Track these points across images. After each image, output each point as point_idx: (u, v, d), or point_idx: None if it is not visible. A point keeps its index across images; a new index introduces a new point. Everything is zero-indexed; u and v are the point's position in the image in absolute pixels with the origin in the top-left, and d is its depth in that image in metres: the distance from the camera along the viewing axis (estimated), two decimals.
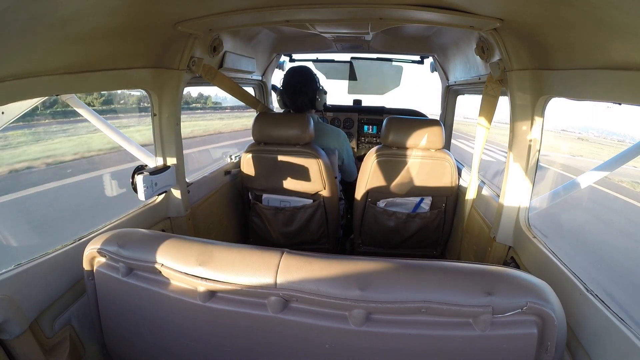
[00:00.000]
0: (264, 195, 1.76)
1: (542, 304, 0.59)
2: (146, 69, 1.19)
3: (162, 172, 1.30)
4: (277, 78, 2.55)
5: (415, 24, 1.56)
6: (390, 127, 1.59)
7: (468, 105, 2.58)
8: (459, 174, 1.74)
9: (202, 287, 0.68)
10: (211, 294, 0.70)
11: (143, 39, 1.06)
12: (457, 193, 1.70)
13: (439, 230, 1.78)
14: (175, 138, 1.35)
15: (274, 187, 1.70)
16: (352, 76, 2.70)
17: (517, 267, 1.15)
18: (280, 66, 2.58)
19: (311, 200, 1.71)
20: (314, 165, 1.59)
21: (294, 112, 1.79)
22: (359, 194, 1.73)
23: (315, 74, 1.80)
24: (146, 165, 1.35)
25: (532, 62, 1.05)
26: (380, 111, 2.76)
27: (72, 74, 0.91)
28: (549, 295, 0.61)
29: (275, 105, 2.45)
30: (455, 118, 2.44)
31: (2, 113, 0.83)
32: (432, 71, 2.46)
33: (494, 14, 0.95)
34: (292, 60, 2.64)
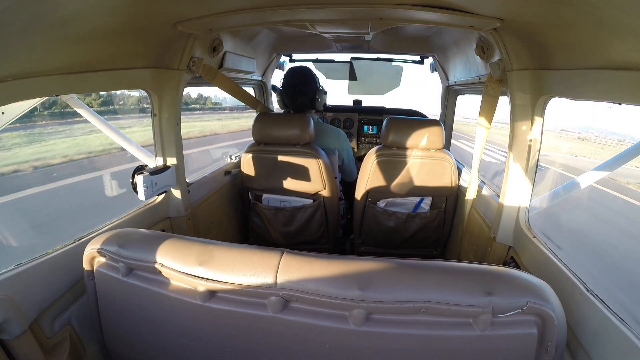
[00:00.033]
0: (264, 195, 1.76)
1: (542, 304, 0.59)
2: (146, 69, 1.19)
3: (162, 172, 1.30)
4: (277, 78, 2.56)
5: (415, 24, 1.56)
6: (390, 127, 1.59)
7: (468, 105, 2.58)
8: (459, 174, 1.74)
9: (202, 287, 0.68)
10: (211, 294, 0.70)
11: (143, 39, 1.06)
12: (457, 193, 1.70)
13: (439, 230, 1.78)
14: (175, 138, 1.35)
15: (274, 187, 1.70)
16: (352, 76, 2.70)
17: (517, 267, 1.15)
18: (280, 66, 2.58)
19: (311, 200, 1.71)
20: (314, 165, 1.59)
21: (294, 112, 1.79)
22: (359, 194, 1.73)
23: (315, 74, 1.80)
24: (146, 165, 1.36)
25: (532, 62, 1.05)
26: (380, 111, 2.76)
27: (72, 74, 0.91)
28: (549, 295, 0.61)
29: (275, 105, 2.45)
30: (455, 118, 2.44)
31: (2, 113, 0.83)
32: (432, 71, 2.46)
33: (494, 14, 0.96)
34: (292, 60, 2.64)
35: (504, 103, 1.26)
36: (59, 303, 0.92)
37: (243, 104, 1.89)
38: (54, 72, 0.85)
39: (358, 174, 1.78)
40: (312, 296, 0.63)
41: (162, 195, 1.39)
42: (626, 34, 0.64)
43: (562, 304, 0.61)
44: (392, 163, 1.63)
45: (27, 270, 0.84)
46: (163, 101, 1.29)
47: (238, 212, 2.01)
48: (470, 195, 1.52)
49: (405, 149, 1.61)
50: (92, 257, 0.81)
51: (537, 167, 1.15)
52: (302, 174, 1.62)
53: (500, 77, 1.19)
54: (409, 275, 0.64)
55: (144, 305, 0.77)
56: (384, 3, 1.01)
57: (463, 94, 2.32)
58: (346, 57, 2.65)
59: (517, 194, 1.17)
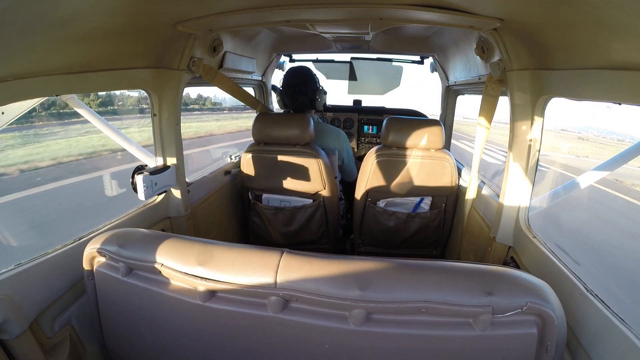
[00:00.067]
0: (264, 195, 1.76)
1: (542, 304, 0.59)
2: (146, 69, 1.19)
3: (162, 172, 1.30)
4: (277, 78, 2.56)
5: (415, 24, 1.56)
6: (390, 127, 1.59)
7: (468, 105, 2.58)
8: (459, 174, 1.74)
9: (202, 287, 0.68)
10: (211, 294, 0.70)
11: (143, 39, 1.06)
12: (457, 193, 1.70)
13: (439, 230, 1.78)
14: (175, 138, 1.35)
15: (274, 187, 1.70)
16: (352, 76, 2.70)
17: (517, 267, 1.15)
18: (280, 66, 2.58)
19: (311, 200, 1.71)
20: (314, 165, 1.59)
21: (294, 112, 1.79)
22: (359, 194, 1.73)
23: (315, 74, 1.80)
24: (146, 165, 1.36)
25: (532, 62, 1.05)
26: (380, 111, 2.76)
27: (72, 74, 0.91)
28: (549, 295, 0.61)
29: (275, 105, 2.45)
30: (455, 118, 2.44)
31: (2, 113, 0.83)
32: (432, 71, 2.46)
33: (494, 14, 0.96)
34: (292, 60, 2.64)
35: (504, 103, 1.26)
36: (59, 303, 0.92)
37: (242, 104, 1.89)
38: (54, 72, 0.85)
39: (358, 173, 1.78)
40: (312, 296, 0.63)
41: (162, 195, 1.39)
42: (626, 34, 0.64)
43: (562, 304, 0.61)
44: (392, 163, 1.63)
45: (27, 270, 0.83)
46: (163, 101, 1.29)
47: (238, 212, 2.01)
48: (470, 195, 1.52)
49: (405, 148, 1.61)
50: (92, 257, 0.81)
51: (537, 167, 1.15)
52: (302, 173, 1.62)
53: (500, 77, 1.19)
54: (409, 275, 0.64)
55: (144, 305, 0.77)
56: (384, 3, 1.01)
57: (463, 94, 2.32)
58: (346, 57, 2.65)
59: (517, 194, 1.17)
